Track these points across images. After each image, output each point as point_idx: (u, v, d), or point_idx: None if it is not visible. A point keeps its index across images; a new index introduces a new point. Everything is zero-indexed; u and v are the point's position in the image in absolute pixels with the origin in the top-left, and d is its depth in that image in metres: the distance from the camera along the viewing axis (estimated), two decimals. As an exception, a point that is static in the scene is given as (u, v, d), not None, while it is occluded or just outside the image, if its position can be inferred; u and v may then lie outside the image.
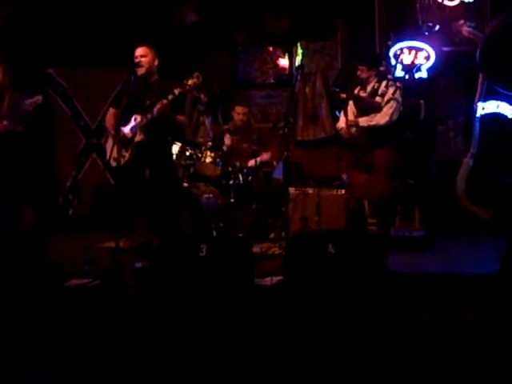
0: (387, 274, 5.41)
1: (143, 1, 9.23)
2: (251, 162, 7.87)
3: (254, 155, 8.01)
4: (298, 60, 9.70)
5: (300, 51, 9.70)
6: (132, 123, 6.27)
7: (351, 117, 6.93)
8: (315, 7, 9.08)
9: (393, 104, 6.67)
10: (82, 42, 9.04)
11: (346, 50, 9.35)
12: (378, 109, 6.70)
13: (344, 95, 6.92)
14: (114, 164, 6.24)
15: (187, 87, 6.09)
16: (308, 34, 9.48)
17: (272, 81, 9.95)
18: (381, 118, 6.69)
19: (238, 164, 7.64)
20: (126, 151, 6.29)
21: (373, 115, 6.73)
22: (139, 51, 6.33)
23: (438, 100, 8.33)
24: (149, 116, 6.14)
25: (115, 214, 6.33)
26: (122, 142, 6.24)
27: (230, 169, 7.57)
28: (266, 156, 8.04)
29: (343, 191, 7.30)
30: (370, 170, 6.77)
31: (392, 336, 4.51)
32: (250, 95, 9.82)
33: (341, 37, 9.38)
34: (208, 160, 7.59)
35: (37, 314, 4.98)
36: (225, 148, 7.76)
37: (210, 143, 7.70)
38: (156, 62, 6.39)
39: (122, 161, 6.24)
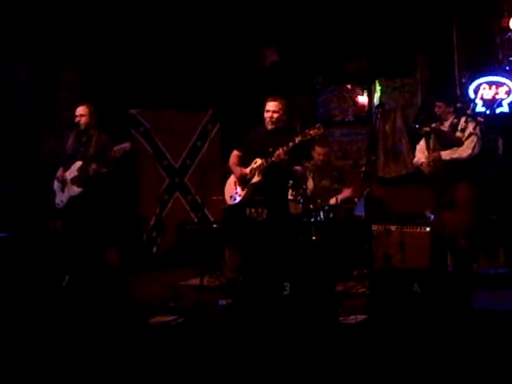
0: (473, 313, 5.31)
1: (224, 43, 9.39)
2: (333, 200, 7.85)
3: (335, 193, 8.00)
4: (376, 97, 9.71)
5: (379, 88, 9.71)
6: (252, 165, 6.53)
7: (426, 152, 6.94)
8: (394, 45, 9.10)
9: (474, 138, 6.67)
10: (164, 84, 9.26)
11: (425, 86, 9.32)
12: (459, 143, 6.70)
13: (428, 129, 6.92)
14: (229, 201, 6.62)
15: (308, 136, 6.26)
16: (387, 72, 9.49)
17: (351, 118, 9.98)
18: (463, 152, 6.69)
19: (319, 201, 7.65)
20: (243, 190, 6.56)
21: (455, 149, 6.73)
22: (273, 106, 6.58)
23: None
24: (269, 160, 6.36)
25: (200, 251, 6.42)
26: (240, 180, 6.57)
27: (312, 206, 7.58)
28: (346, 193, 8.03)
29: (427, 229, 7.25)
30: (452, 205, 6.71)
31: (481, 374, 4.42)
32: (329, 133, 9.83)
33: (420, 74, 9.37)
34: (289, 198, 7.62)
35: (123, 351, 5.03)
36: (308, 192, 7.76)
37: (290, 181, 7.74)
38: (286, 116, 6.63)
39: (238, 198, 6.56)
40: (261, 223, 6.37)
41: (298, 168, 6.61)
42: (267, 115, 6.55)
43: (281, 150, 6.26)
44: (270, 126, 6.55)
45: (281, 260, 6.48)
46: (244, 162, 6.67)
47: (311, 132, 6.23)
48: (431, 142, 6.99)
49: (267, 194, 6.42)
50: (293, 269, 6.66)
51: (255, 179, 6.46)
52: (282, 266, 6.35)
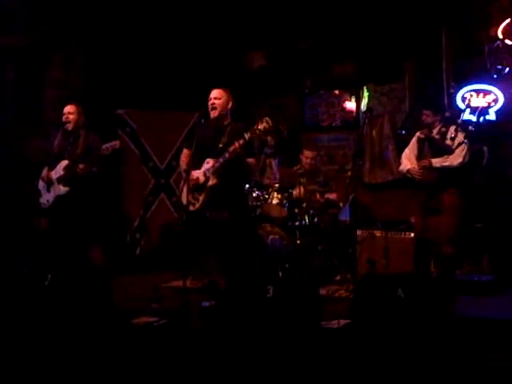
0: (456, 319, 5.32)
1: (213, 46, 9.39)
2: (319, 199, 7.90)
3: (321, 198, 8.00)
4: (364, 103, 9.73)
5: (366, 94, 9.73)
6: (205, 167, 6.27)
7: (413, 159, 6.99)
8: (383, 51, 9.13)
9: (464, 147, 6.82)
10: (152, 85, 9.25)
11: (413, 93, 9.36)
12: (449, 151, 6.78)
13: (422, 136, 6.97)
14: (189, 208, 6.26)
15: (257, 131, 6.08)
16: (376, 77, 9.51)
17: (339, 123, 10.01)
18: (454, 160, 6.82)
19: (304, 205, 7.65)
20: (200, 195, 6.29)
21: (445, 157, 6.84)
22: (214, 93, 6.36)
23: (507, 143, 8.24)
24: (221, 160, 6.15)
25: (183, 253, 6.37)
26: (195, 185, 6.26)
27: (297, 210, 7.57)
28: (332, 195, 8.04)
29: (411, 234, 7.27)
30: (438, 211, 6.77)
31: (462, 380, 4.42)
32: (316, 138, 9.88)
33: (409, 80, 9.40)
34: (275, 201, 7.63)
35: (105, 350, 5.01)
36: (294, 196, 7.73)
37: (276, 185, 7.74)
38: (230, 105, 6.40)
39: (197, 204, 6.28)
40: (223, 223, 6.23)
41: (251, 161, 6.43)
42: (209, 103, 6.32)
43: (232, 148, 6.09)
44: (212, 114, 6.31)
45: (250, 257, 6.45)
46: (195, 161, 6.31)
47: (259, 127, 6.04)
48: (409, 150, 7.10)
49: (225, 194, 6.25)
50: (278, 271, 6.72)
51: (211, 182, 6.21)
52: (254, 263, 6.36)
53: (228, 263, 6.30)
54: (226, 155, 6.12)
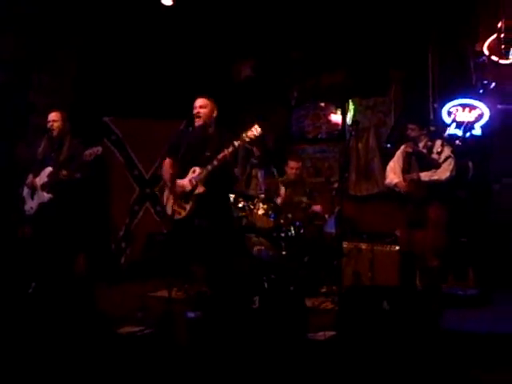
0: (441, 332, 5.33)
1: (200, 56, 9.40)
2: (303, 210, 7.86)
3: (305, 209, 7.99)
4: (349, 116, 9.76)
5: (352, 107, 9.76)
6: (190, 175, 6.27)
7: (399, 172, 7.03)
8: (369, 63, 9.18)
9: (451, 161, 6.88)
10: (139, 93, 9.23)
11: (399, 106, 9.40)
12: (436, 165, 6.84)
13: (410, 149, 7.00)
14: (174, 216, 6.29)
15: (247, 139, 6.11)
16: (361, 91, 9.55)
17: (324, 136, 10.03)
18: (442, 174, 6.87)
19: (289, 216, 7.65)
20: (187, 203, 6.28)
21: (433, 171, 6.89)
22: (199, 102, 6.38)
23: (492, 158, 8.29)
24: (209, 168, 6.16)
25: (168, 263, 6.35)
26: (181, 194, 6.27)
27: (282, 221, 7.58)
28: (317, 208, 8.04)
29: (396, 247, 7.30)
30: (423, 225, 6.79)
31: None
32: (302, 149, 9.90)
33: (394, 93, 9.45)
34: (260, 212, 7.62)
35: (88, 359, 4.99)
36: (279, 200, 7.77)
37: (262, 195, 7.74)
38: (214, 114, 6.42)
39: (184, 213, 6.27)
40: (208, 232, 6.21)
41: (235, 170, 6.45)
42: (194, 111, 6.34)
43: (221, 157, 6.09)
44: (197, 122, 6.32)
45: (236, 267, 6.44)
46: (179, 168, 6.38)
47: (249, 134, 6.07)
48: (394, 164, 7.15)
49: (212, 202, 6.25)
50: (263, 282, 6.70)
51: (198, 190, 6.21)
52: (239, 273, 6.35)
53: (214, 273, 6.28)
54: (215, 163, 6.13)
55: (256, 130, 6.09)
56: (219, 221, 6.29)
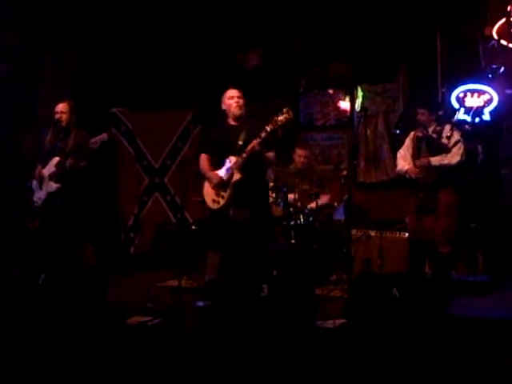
0: (450, 319, 5.31)
1: (208, 45, 9.36)
2: (311, 205, 7.82)
3: (315, 197, 7.95)
4: (358, 102, 9.71)
5: (361, 93, 9.72)
6: (227, 165, 6.34)
7: (409, 159, 6.98)
8: (378, 51, 9.13)
9: (461, 145, 6.81)
10: (146, 84, 9.22)
11: (407, 92, 9.35)
12: (446, 150, 6.77)
13: (421, 134, 6.96)
14: (213, 206, 6.38)
15: (279, 123, 6.13)
16: (370, 77, 9.50)
17: (333, 123, 9.98)
18: (452, 158, 6.81)
19: (299, 205, 7.62)
20: (225, 192, 6.34)
21: (443, 155, 6.82)
22: (236, 93, 6.47)
23: (501, 143, 8.25)
24: (244, 155, 6.21)
25: (177, 252, 6.36)
26: (219, 183, 6.34)
27: (292, 209, 7.55)
28: (325, 199, 7.99)
29: (406, 234, 7.27)
30: (433, 211, 6.76)
31: (456, 380, 4.42)
32: (311, 137, 9.87)
33: (403, 79, 9.40)
34: (270, 200, 7.59)
35: (98, 350, 4.99)
36: (290, 200, 7.72)
37: (271, 184, 7.71)
38: (244, 105, 6.49)
39: (222, 202, 6.34)
40: (245, 224, 6.28)
41: (270, 154, 6.46)
42: (233, 101, 6.40)
43: (255, 142, 6.14)
44: (237, 112, 6.39)
45: (262, 261, 6.43)
46: (214, 163, 6.49)
47: (280, 118, 6.10)
48: (405, 150, 7.09)
49: (249, 191, 6.31)
50: (272, 270, 6.69)
51: (235, 177, 6.28)
52: (263, 267, 6.35)
53: (234, 263, 6.31)
54: (249, 149, 6.19)
55: (288, 113, 6.13)
56: (257, 211, 6.34)
